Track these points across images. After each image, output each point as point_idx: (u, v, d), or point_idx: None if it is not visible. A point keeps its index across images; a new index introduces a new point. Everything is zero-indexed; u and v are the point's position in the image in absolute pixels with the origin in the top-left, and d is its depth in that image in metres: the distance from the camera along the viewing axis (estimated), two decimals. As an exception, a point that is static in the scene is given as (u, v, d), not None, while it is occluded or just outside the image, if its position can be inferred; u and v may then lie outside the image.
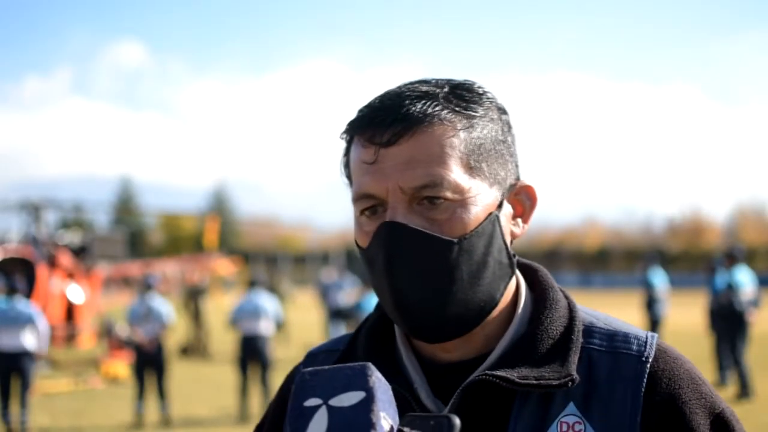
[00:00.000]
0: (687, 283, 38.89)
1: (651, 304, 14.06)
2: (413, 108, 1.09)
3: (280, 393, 1.33)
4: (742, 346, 11.52)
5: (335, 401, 0.96)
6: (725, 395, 11.52)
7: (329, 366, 1.00)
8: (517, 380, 1.09)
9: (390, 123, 1.09)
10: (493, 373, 1.10)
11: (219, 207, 74.62)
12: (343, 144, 1.18)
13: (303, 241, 76.62)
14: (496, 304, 1.15)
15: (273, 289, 20.39)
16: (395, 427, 0.99)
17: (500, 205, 1.14)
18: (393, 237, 1.08)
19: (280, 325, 12.13)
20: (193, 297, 18.62)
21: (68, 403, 12.01)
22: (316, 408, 0.96)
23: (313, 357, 1.32)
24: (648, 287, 14.29)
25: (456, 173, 1.09)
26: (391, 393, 1.00)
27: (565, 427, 1.11)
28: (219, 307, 25.26)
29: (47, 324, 10.51)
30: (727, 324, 11.82)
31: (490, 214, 1.12)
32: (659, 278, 14.42)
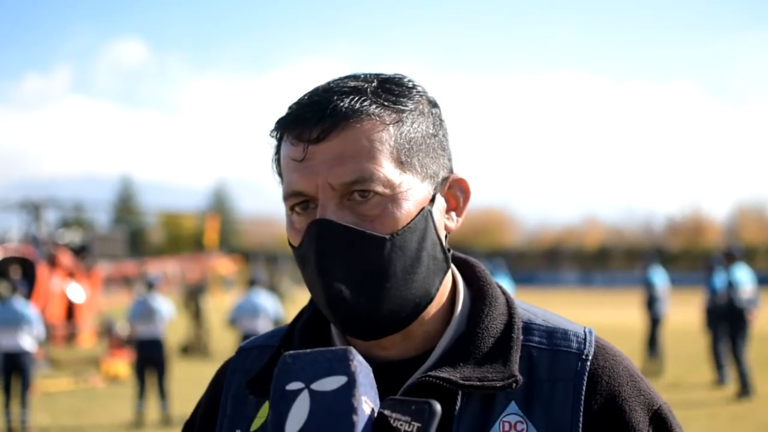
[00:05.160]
0: (687, 282, 38.87)
1: (651, 303, 14.06)
2: (341, 103, 1.08)
3: (212, 386, 1.31)
4: (743, 345, 11.51)
5: (317, 385, 0.97)
6: (725, 394, 11.54)
7: (311, 350, 1.01)
8: (460, 381, 1.08)
9: (318, 119, 1.07)
10: (436, 374, 1.09)
11: (219, 206, 74.66)
12: (274, 142, 1.15)
13: (303, 240, 76.49)
14: (431, 300, 1.13)
15: (273, 287, 20.35)
16: (376, 410, 1.00)
17: (433, 200, 1.13)
18: (324, 235, 1.07)
19: (279, 324, 12.13)
20: (193, 296, 18.61)
21: (69, 402, 12.01)
22: (299, 392, 0.97)
23: (246, 352, 1.29)
24: (648, 286, 14.29)
25: (386, 168, 1.07)
26: (372, 376, 1.01)
27: (507, 427, 1.10)
28: (219, 306, 25.25)
29: (43, 329, 10.54)
30: (728, 322, 11.82)
31: (423, 209, 1.10)
32: (659, 277, 14.42)
